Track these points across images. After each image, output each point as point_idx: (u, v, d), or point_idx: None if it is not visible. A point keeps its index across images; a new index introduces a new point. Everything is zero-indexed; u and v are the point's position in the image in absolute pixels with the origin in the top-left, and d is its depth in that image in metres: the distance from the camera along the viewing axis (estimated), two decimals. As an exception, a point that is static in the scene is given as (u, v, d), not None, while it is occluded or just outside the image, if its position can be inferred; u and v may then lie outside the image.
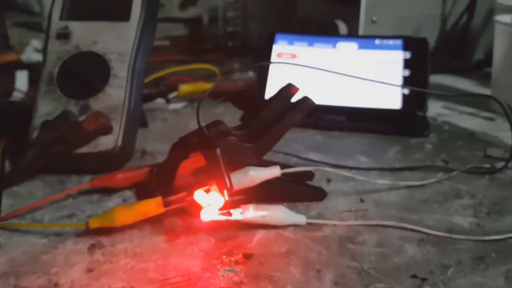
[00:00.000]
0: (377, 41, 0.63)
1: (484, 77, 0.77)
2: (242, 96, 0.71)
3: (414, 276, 0.36)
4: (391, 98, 0.60)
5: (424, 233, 0.40)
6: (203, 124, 0.44)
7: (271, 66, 0.64)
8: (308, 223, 0.41)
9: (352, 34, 0.72)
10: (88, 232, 0.40)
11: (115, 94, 0.51)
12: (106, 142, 0.49)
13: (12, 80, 0.74)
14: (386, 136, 0.59)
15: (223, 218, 0.40)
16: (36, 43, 0.86)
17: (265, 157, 0.44)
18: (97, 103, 0.50)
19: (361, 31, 0.72)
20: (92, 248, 0.39)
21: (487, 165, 0.51)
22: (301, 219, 0.41)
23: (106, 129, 0.49)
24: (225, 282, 0.35)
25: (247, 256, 0.38)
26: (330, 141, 0.58)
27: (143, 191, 0.46)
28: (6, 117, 0.62)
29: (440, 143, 0.58)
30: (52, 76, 0.52)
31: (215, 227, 0.40)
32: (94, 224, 0.40)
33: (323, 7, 0.78)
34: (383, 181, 0.47)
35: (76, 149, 0.48)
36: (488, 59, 0.74)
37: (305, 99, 0.44)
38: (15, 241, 0.40)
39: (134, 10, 0.53)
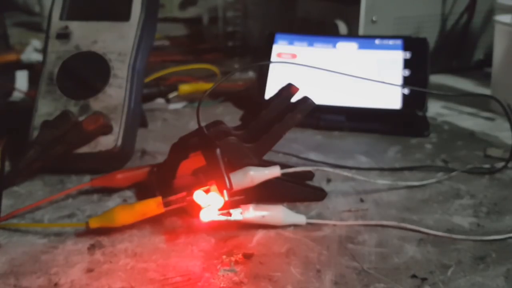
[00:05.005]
0: (377, 41, 0.63)
1: (484, 77, 0.77)
2: (242, 96, 0.71)
3: (414, 276, 0.36)
4: (391, 98, 0.60)
5: (424, 233, 0.40)
6: (203, 124, 0.44)
7: (271, 66, 0.64)
8: (308, 223, 0.41)
9: (352, 34, 0.72)
10: (88, 232, 0.40)
11: (115, 94, 0.51)
12: (106, 142, 0.49)
13: (12, 80, 0.74)
14: (386, 136, 0.59)
15: (223, 218, 0.40)
16: (36, 43, 0.86)
17: (265, 157, 0.44)
18: (97, 103, 0.50)
19: (361, 31, 0.72)
20: (92, 248, 0.39)
21: (487, 165, 0.51)
22: (301, 219, 0.41)
23: (106, 129, 0.49)
24: (225, 282, 0.35)
25: (247, 256, 0.38)
26: (330, 141, 0.58)
27: (143, 191, 0.46)
28: (6, 117, 0.62)
29: (440, 143, 0.58)
30: (52, 76, 0.52)
31: (215, 227, 0.40)
32: (94, 224, 0.40)
33: (323, 7, 0.78)
34: (383, 181, 0.47)
35: (76, 149, 0.48)
36: (488, 59, 0.74)
37: (305, 99, 0.44)
38: (15, 241, 0.40)
39: (134, 10, 0.53)
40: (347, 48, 0.64)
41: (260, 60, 0.69)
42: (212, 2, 0.97)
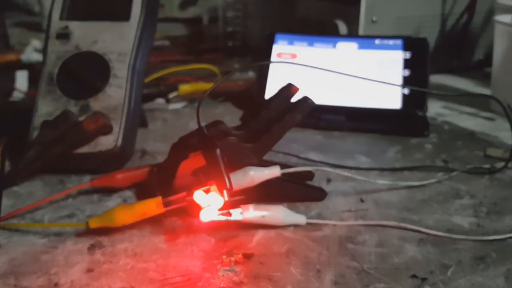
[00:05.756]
0: (377, 41, 0.63)
1: (484, 77, 0.77)
2: (242, 96, 0.71)
3: (414, 276, 0.36)
4: (391, 98, 0.60)
5: (424, 233, 0.40)
6: (203, 124, 0.44)
7: (271, 66, 0.64)
8: (308, 223, 0.41)
9: (352, 34, 0.72)
10: (88, 232, 0.40)
11: (115, 94, 0.51)
12: (106, 142, 0.49)
13: (12, 80, 0.74)
14: (386, 136, 0.59)
15: (223, 218, 0.40)
16: (36, 43, 0.86)
17: (265, 157, 0.44)
18: (97, 103, 0.50)
19: (361, 31, 0.72)
20: (92, 248, 0.39)
21: (487, 165, 0.51)
22: (301, 219, 0.41)
23: (106, 129, 0.49)
24: (225, 282, 0.35)
25: (247, 256, 0.38)
26: (330, 141, 0.58)
27: (143, 191, 0.46)
28: (6, 117, 0.62)
29: (440, 143, 0.58)
30: (52, 76, 0.52)
31: (215, 227, 0.40)
32: (94, 224, 0.40)
33: (323, 7, 0.78)
34: (383, 181, 0.47)
35: (76, 149, 0.48)
36: (488, 59, 0.74)
37: (305, 99, 0.44)
38: (15, 241, 0.40)
39: (134, 10, 0.53)
40: (347, 48, 0.64)
41: (260, 60, 0.69)
42: (212, 2, 0.97)
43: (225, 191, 0.39)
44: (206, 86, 0.70)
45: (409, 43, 0.62)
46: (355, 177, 0.46)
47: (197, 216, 0.40)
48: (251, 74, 0.82)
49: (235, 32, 0.95)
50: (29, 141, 0.49)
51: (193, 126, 0.46)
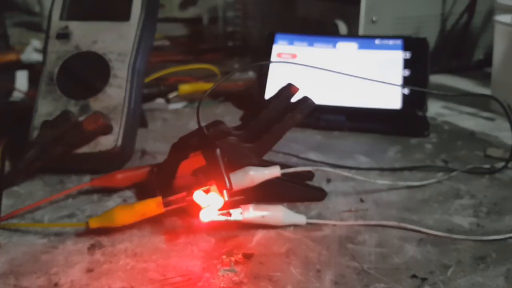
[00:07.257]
0: (377, 41, 0.63)
1: (484, 77, 0.77)
2: (242, 96, 0.71)
3: (414, 276, 0.36)
4: (391, 98, 0.60)
5: (424, 233, 0.40)
6: (203, 124, 0.44)
7: (271, 66, 0.64)
8: (308, 223, 0.41)
9: (352, 34, 0.72)
10: (88, 232, 0.40)
11: (115, 94, 0.51)
12: (106, 142, 0.49)
13: (12, 80, 0.74)
14: (386, 136, 0.59)
15: (223, 218, 0.40)
16: (36, 43, 0.86)
17: (265, 157, 0.44)
18: (97, 103, 0.50)
19: (361, 31, 0.72)
20: (92, 248, 0.39)
21: (487, 165, 0.51)
22: (301, 219, 0.41)
23: (106, 129, 0.49)
24: (225, 282, 0.35)
25: (247, 256, 0.38)
26: (330, 141, 0.58)
27: (143, 191, 0.46)
28: (6, 117, 0.62)
29: (440, 143, 0.58)
30: (52, 76, 0.52)
31: (215, 227, 0.40)
32: (94, 224, 0.40)
33: (323, 7, 0.78)
34: (383, 181, 0.47)
35: (76, 149, 0.48)
36: (488, 59, 0.74)
37: (305, 99, 0.44)
38: (15, 241, 0.40)
39: (134, 10, 0.53)
40: (347, 48, 0.64)
41: (260, 60, 0.69)
42: (212, 2, 0.97)
43: (225, 191, 0.39)
44: (206, 86, 0.70)
45: (409, 43, 0.62)
46: (355, 177, 0.46)
47: (197, 216, 0.40)
48: (251, 74, 0.82)
49: (235, 32, 0.95)
50: (29, 141, 0.49)
51: (193, 126, 0.46)
